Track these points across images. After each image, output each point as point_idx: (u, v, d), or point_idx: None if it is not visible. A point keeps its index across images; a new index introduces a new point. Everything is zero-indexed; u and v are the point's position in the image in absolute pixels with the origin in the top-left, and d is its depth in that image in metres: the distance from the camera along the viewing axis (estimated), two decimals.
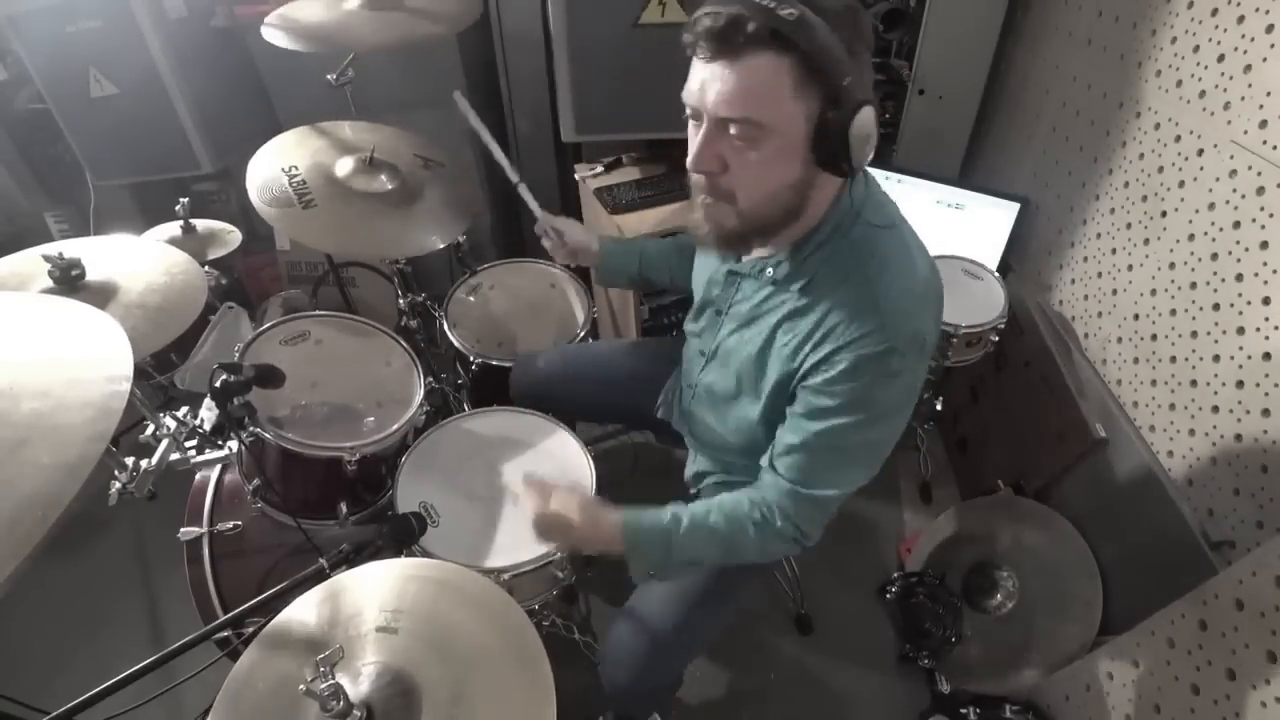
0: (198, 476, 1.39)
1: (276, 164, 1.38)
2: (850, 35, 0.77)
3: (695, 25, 0.78)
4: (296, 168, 1.38)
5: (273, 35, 1.46)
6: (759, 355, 0.97)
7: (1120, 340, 1.48)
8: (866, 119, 0.79)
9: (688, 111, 0.85)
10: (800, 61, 0.75)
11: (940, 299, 0.94)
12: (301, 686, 0.70)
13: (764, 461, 0.98)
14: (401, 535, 1.04)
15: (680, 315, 1.67)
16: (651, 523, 0.97)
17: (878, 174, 1.83)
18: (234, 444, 1.33)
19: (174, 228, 1.79)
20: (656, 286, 1.39)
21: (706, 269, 1.10)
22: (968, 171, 2.04)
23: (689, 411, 1.18)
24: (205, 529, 1.32)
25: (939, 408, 1.94)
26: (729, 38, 0.75)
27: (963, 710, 1.46)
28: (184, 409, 1.38)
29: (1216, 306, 1.22)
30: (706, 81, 0.79)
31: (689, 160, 0.85)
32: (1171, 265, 1.33)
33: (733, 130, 0.80)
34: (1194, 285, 1.28)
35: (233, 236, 1.83)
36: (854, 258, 0.88)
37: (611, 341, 1.67)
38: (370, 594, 0.86)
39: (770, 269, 0.95)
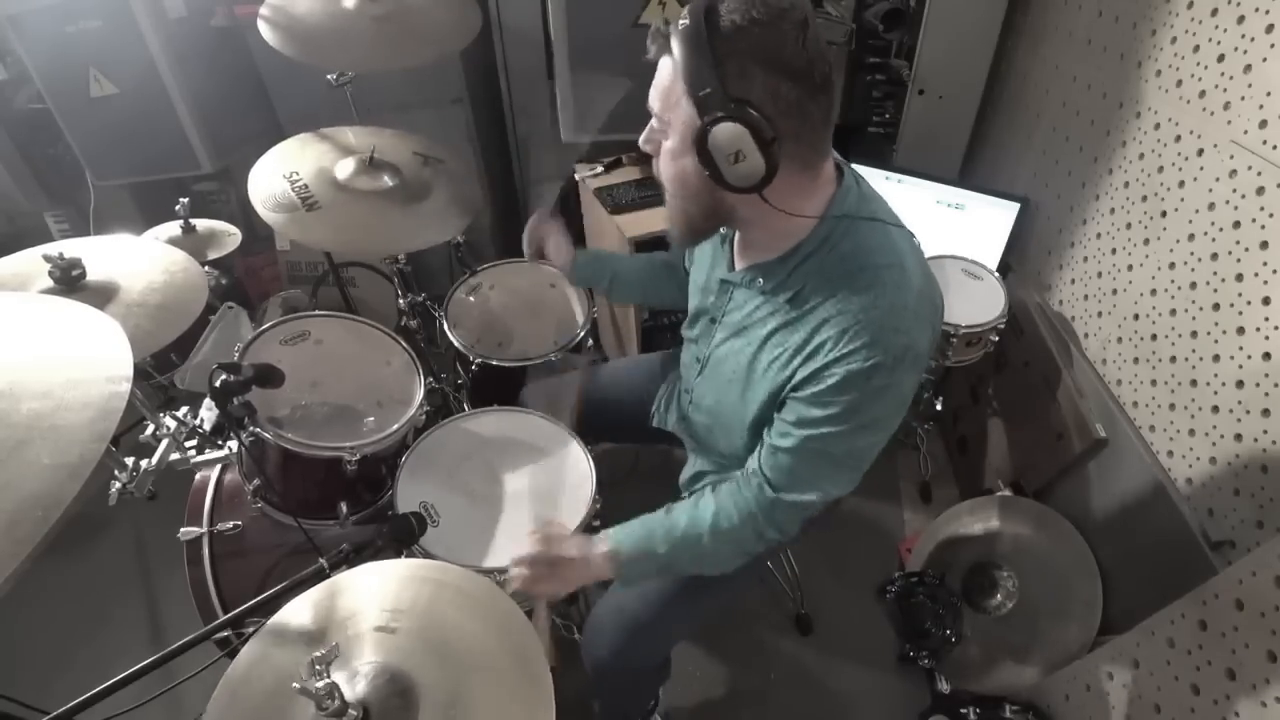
0: (198, 476, 1.39)
1: (278, 171, 1.39)
2: (742, 50, 0.77)
3: None
4: (298, 173, 1.38)
5: (269, 34, 1.45)
6: (749, 365, 0.98)
7: (1120, 340, 1.48)
8: (725, 135, 0.78)
9: None
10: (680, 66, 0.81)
11: (936, 308, 0.94)
12: (295, 684, 0.69)
13: (751, 466, 0.99)
14: (401, 535, 1.04)
15: (679, 317, 1.66)
16: (640, 548, 1.01)
17: (877, 175, 1.87)
18: (234, 444, 1.33)
19: (174, 227, 1.79)
20: (631, 301, 1.40)
21: (702, 276, 1.11)
22: (968, 171, 2.04)
23: (687, 416, 1.19)
24: (205, 529, 1.32)
25: (939, 408, 1.94)
26: (655, 39, 0.85)
27: (963, 710, 1.46)
28: (184, 409, 1.38)
29: (1216, 306, 1.22)
30: None
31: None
32: (1171, 265, 1.33)
33: (654, 122, 0.88)
34: (1194, 285, 1.28)
35: (232, 237, 1.83)
36: (844, 271, 0.88)
37: (606, 366, 1.65)
38: (370, 594, 0.86)
39: (760, 279, 0.96)
